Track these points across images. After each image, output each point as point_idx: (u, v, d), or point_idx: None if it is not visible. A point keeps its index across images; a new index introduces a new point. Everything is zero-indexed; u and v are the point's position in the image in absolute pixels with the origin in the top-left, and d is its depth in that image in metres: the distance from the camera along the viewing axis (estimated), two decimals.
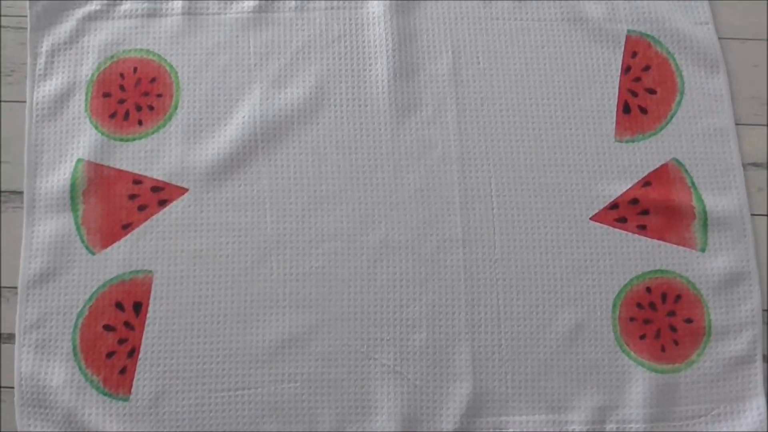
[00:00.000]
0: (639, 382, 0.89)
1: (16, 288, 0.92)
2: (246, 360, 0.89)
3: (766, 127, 0.98)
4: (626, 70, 0.99)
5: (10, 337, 0.91)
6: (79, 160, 0.94)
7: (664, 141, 0.96)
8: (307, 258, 0.92)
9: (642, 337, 0.91)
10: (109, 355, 0.89)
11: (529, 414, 0.89)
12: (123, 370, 0.89)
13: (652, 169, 0.95)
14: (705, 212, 0.93)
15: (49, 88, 0.96)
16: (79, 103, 0.96)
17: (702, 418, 0.89)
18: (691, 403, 0.89)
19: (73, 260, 0.91)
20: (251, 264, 0.92)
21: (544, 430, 0.88)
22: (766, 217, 0.95)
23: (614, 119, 0.97)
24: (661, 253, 0.92)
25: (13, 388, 0.89)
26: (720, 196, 0.94)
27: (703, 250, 0.93)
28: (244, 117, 0.95)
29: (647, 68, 0.99)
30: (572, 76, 0.98)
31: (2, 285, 0.93)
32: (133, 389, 0.89)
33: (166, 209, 0.93)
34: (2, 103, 0.98)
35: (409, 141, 0.95)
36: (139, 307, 0.90)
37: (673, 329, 0.91)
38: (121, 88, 0.97)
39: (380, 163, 0.95)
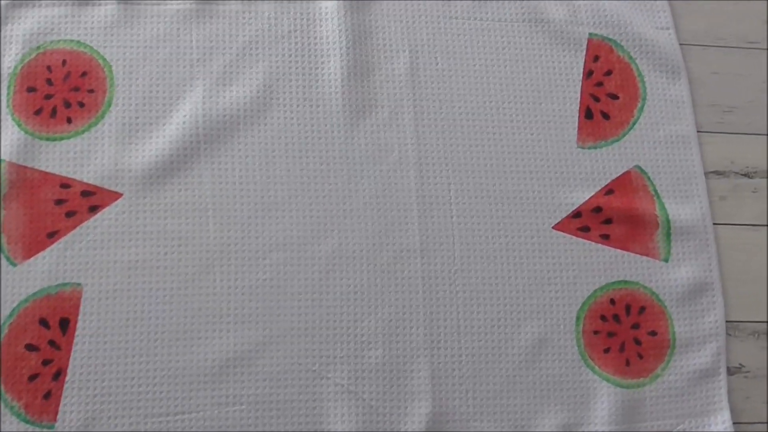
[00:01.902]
0: (604, 398, 0.93)
1: None
2: (186, 381, 0.89)
3: (725, 135, 1.06)
4: (588, 74, 1.04)
5: None
6: None
7: (627, 148, 1.01)
8: (254, 269, 0.93)
9: (606, 350, 0.95)
10: (32, 378, 0.87)
11: None
12: (47, 395, 0.87)
13: (614, 176, 1.00)
14: (668, 221, 0.98)
15: None
16: (0, 98, 0.95)
17: None
18: (656, 418, 0.93)
19: None
20: (192, 276, 0.91)
21: None
22: (727, 226, 1.03)
23: (576, 125, 1.01)
24: (625, 264, 0.97)
25: None
26: (683, 205, 0.99)
27: (666, 260, 0.98)
28: (184, 116, 0.95)
29: (609, 73, 1.04)
30: (533, 80, 1.02)
31: None
32: (59, 415, 0.87)
33: (98, 216, 0.92)
34: None
35: (363, 144, 0.98)
36: (66, 324, 0.89)
37: (638, 342, 0.95)
38: (48, 82, 0.95)
39: (333, 167, 0.96)
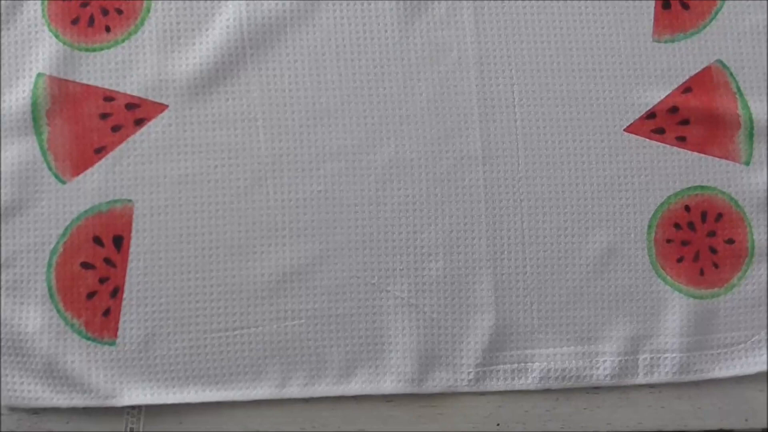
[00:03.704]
0: (675, 309, 0.95)
1: None
2: (243, 297, 0.93)
3: None
4: None
5: None
6: (39, 75, 0.94)
7: (708, 40, 0.98)
8: (308, 181, 0.95)
9: (680, 260, 0.96)
10: (90, 295, 0.93)
11: (557, 346, 0.95)
12: (107, 312, 0.93)
13: (693, 72, 0.98)
14: (751, 121, 0.97)
15: None
16: (34, 7, 0.95)
17: (741, 345, 0.95)
18: (729, 330, 0.96)
19: (41, 191, 0.93)
20: (244, 189, 0.94)
21: (573, 363, 0.95)
22: None
23: (652, 16, 0.99)
24: (702, 168, 0.97)
25: None
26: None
27: (747, 163, 0.97)
28: (228, 19, 0.95)
29: None
30: None
31: None
32: (119, 332, 0.93)
33: (144, 129, 0.94)
34: None
35: (419, 44, 0.97)
36: (119, 242, 0.93)
37: (713, 251, 0.96)
38: None
39: (387, 70, 0.96)
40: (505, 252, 0.95)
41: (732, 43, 0.99)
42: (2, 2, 0.95)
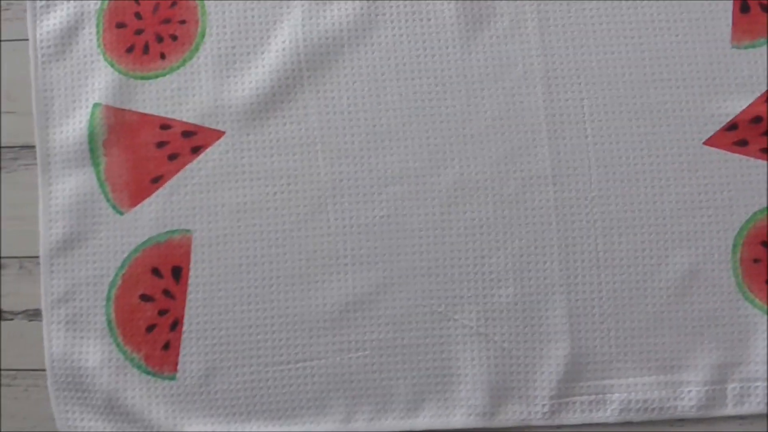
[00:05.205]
0: (766, 333, 0.93)
1: (37, 257, 0.96)
2: (305, 328, 0.94)
3: None
4: None
5: (37, 314, 0.97)
6: (95, 105, 0.96)
7: None
8: (370, 206, 0.95)
9: None
10: (150, 328, 0.95)
11: (637, 376, 0.93)
12: (166, 345, 0.95)
13: None
14: None
15: (53, 21, 0.98)
16: (89, 37, 0.98)
17: None
18: None
19: (99, 222, 0.95)
20: (304, 216, 0.95)
21: (655, 393, 0.93)
22: None
23: (730, 20, 0.97)
24: None
25: (44, 371, 0.95)
26: None
27: None
28: (284, 42, 0.97)
29: None
30: None
31: (22, 255, 0.98)
32: (179, 366, 0.94)
33: (201, 157, 0.96)
34: (1, 43, 1.00)
35: (482, 60, 0.97)
36: (178, 273, 0.95)
37: None
38: (137, 15, 0.98)
39: (450, 88, 0.96)
40: (579, 276, 0.94)
41: None
42: (57, 34, 0.98)
